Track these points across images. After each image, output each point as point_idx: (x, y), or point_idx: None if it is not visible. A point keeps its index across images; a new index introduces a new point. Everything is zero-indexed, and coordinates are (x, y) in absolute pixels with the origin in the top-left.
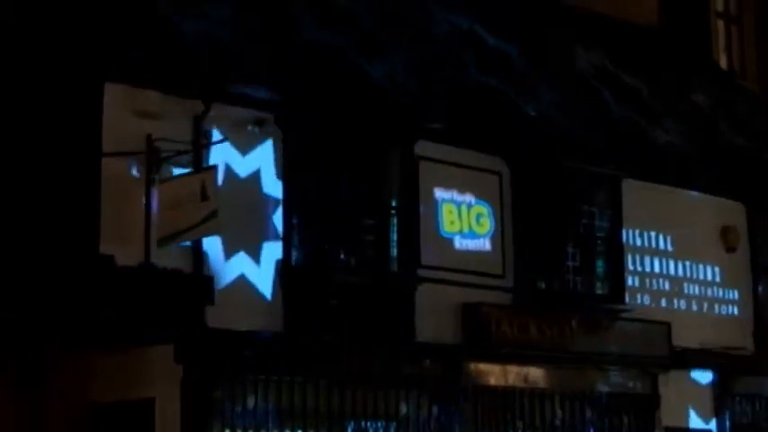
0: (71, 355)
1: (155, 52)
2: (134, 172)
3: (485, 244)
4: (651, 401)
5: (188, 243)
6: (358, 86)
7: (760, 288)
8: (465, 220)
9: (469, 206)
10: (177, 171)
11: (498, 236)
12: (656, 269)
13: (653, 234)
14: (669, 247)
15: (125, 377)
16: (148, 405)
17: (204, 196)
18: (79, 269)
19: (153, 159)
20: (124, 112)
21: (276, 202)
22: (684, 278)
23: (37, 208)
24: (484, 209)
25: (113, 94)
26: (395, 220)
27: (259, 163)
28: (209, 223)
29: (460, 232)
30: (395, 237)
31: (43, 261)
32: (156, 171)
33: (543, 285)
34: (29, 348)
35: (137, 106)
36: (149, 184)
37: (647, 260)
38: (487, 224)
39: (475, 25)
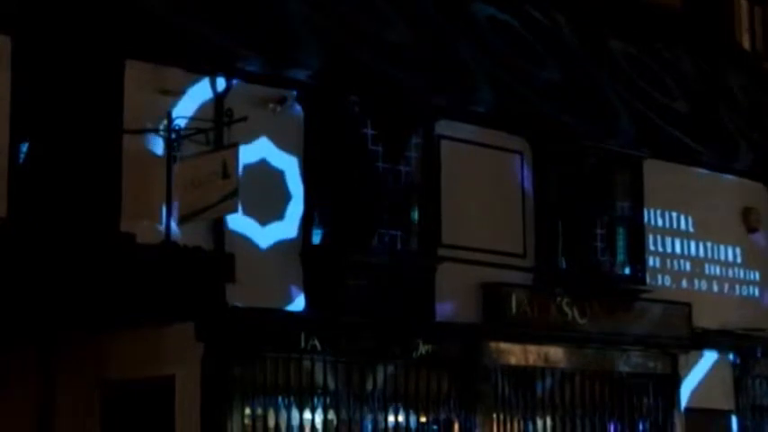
0: (91, 333)
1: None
2: (155, 149)
3: (506, 223)
4: (671, 382)
5: (209, 220)
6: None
7: None
8: (485, 200)
9: (490, 185)
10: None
11: (519, 215)
12: (678, 250)
13: (674, 215)
14: (690, 228)
15: (145, 355)
16: (168, 383)
17: (225, 174)
18: (100, 247)
19: (174, 137)
20: (145, 90)
21: (297, 182)
22: (705, 259)
23: (58, 186)
24: (505, 188)
25: (135, 72)
26: (416, 199)
27: (281, 141)
28: (229, 201)
29: (480, 211)
30: (416, 216)
31: (64, 239)
32: (177, 149)
33: (564, 265)
34: (48, 327)
35: (158, 84)
36: (170, 161)
37: (668, 241)
38: (508, 204)
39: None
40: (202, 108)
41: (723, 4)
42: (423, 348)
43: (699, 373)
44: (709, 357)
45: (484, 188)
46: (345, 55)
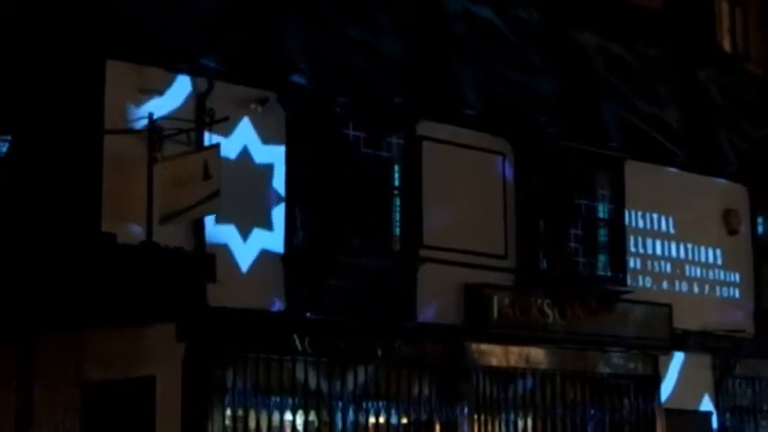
0: (72, 333)
1: (157, 29)
2: (136, 150)
3: (487, 225)
4: (652, 383)
5: (191, 221)
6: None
7: (761, 271)
8: (467, 201)
9: (472, 186)
10: (181, 150)
11: (501, 217)
12: (658, 251)
13: (655, 216)
14: (671, 230)
15: (126, 355)
16: (149, 383)
17: (207, 175)
18: (81, 247)
19: (155, 137)
20: (127, 90)
21: (280, 182)
22: (686, 260)
23: (39, 185)
24: (487, 189)
25: (116, 72)
26: (398, 200)
27: (263, 142)
28: (210, 202)
29: (462, 212)
30: (398, 217)
31: (45, 239)
32: (159, 149)
33: (545, 266)
34: (29, 327)
35: (139, 84)
36: (151, 162)
37: (648, 242)
38: (490, 205)
39: (477, 7)
40: (184, 108)
41: (704, 5)
42: (404, 349)
43: (679, 375)
44: (689, 358)
45: (466, 189)
46: (327, 57)
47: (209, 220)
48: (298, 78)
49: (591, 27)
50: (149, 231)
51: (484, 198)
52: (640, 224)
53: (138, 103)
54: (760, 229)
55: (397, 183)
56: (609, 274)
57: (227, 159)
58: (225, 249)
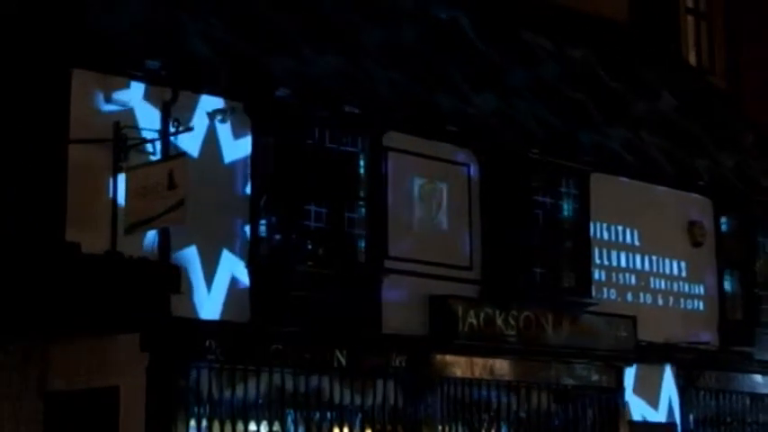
0: (34, 343)
1: (123, 38)
2: (101, 159)
3: (452, 236)
4: (616, 395)
5: (155, 231)
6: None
7: (725, 283)
8: (432, 212)
9: (437, 198)
10: (146, 159)
11: (466, 228)
12: (623, 263)
13: (620, 228)
14: (636, 242)
15: (90, 366)
16: (113, 393)
17: (172, 185)
18: (45, 256)
19: (120, 147)
20: (92, 99)
21: (244, 191)
22: (651, 273)
23: (3, 194)
24: (452, 201)
25: (81, 81)
26: (363, 212)
27: (227, 152)
28: (176, 212)
29: (428, 224)
30: (363, 227)
31: (9, 248)
32: (124, 158)
33: (510, 278)
34: None
35: (105, 93)
36: (116, 171)
37: (613, 254)
38: (454, 217)
39: (445, 15)
40: (149, 118)
41: (669, 18)
42: (369, 360)
43: (643, 386)
44: (653, 370)
45: (431, 201)
46: (294, 66)
47: (175, 230)
48: (265, 88)
49: (557, 39)
50: (113, 241)
51: (449, 209)
52: (605, 236)
53: (104, 113)
54: (724, 241)
55: (362, 193)
56: (573, 285)
57: (191, 170)
58: (190, 260)
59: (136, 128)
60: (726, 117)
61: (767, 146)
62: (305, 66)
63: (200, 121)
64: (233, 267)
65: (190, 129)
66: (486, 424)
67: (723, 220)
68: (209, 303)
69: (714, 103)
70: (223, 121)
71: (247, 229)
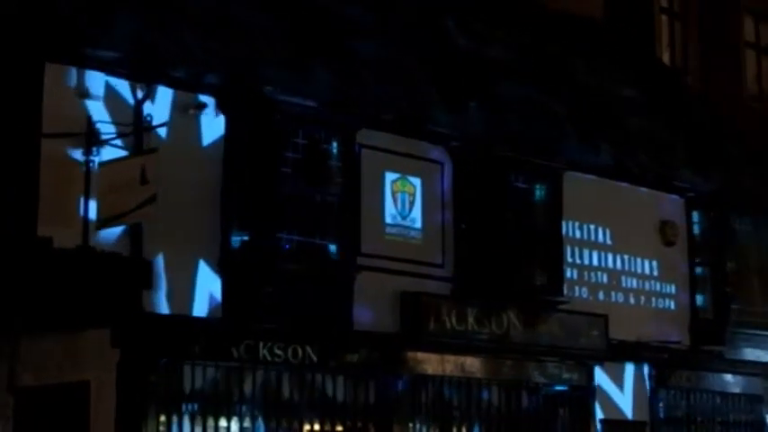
0: (5, 337)
1: (97, 33)
2: (74, 154)
3: (424, 234)
4: (587, 393)
5: (127, 226)
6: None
7: (696, 283)
8: (405, 210)
9: (410, 195)
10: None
11: (439, 226)
12: (595, 262)
13: (592, 227)
14: (608, 241)
15: (60, 361)
16: (83, 388)
17: (144, 180)
18: (17, 251)
19: (93, 141)
20: (65, 94)
21: (216, 188)
22: (622, 271)
23: None
24: (425, 198)
25: (54, 75)
26: (336, 208)
27: (200, 148)
28: (148, 207)
29: (400, 221)
30: (336, 224)
31: None
32: (97, 153)
33: (482, 276)
34: None
35: (78, 87)
36: (89, 166)
37: (585, 253)
38: (427, 214)
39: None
40: (122, 113)
41: (644, 18)
42: (340, 357)
43: (614, 385)
44: (624, 369)
45: (404, 198)
46: (265, 64)
47: (147, 225)
48: (236, 85)
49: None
50: (85, 236)
51: (422, 207)
52: (577, 235)
53: (77, 107)
54: (696, 240)
55: (335, 190)
56: (545, 284)
57: (165, 163)
58: (161, 255)
59: (109, 122)
60: (697, 116)
61: (739, 144)
62: (280, 63)
63: (173, 116)
64: (205, 263)
65: (163, 124)
66: (457, 421)
67: (695, 219)
68: (181, 299)
69: (686, 102)
70: (197, 116)
71: (219, 224)
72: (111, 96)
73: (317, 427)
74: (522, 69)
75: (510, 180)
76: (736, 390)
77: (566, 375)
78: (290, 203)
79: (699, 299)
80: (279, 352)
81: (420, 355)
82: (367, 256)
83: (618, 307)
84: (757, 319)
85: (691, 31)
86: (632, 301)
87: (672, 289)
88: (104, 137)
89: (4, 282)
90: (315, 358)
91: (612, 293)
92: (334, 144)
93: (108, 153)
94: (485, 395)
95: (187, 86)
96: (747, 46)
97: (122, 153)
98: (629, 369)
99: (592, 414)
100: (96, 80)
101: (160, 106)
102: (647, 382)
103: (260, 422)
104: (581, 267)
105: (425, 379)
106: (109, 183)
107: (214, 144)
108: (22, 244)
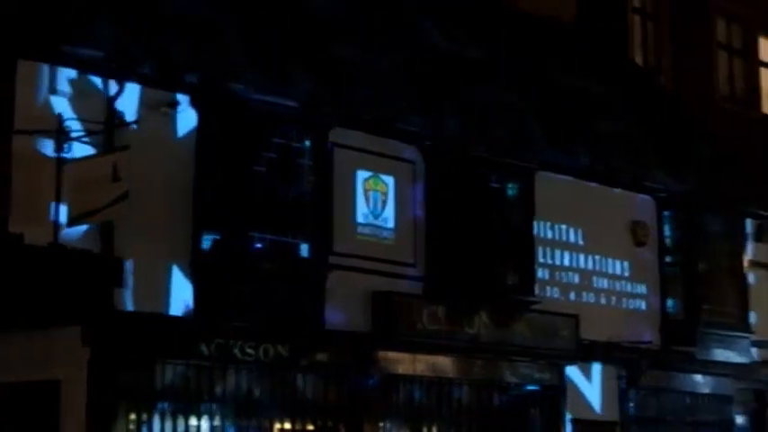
0: None
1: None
2: (45, 150)
3: (397, 233)
4: (558, 393)
5: (98, 224)
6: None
7: (667, 283)
8: (377, 209)
9: (383, 195)
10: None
11: (410, 225)
12: (566, 262)
13: (563, 227)
14: (579, 241)
15: (30, 358)
16: (54, 387)
17: (116, 177)
18: None
19: (64, 138)
20: (37, 90)
21: (188, 186)
22: (594, 272)
23: None
24: (397, 198)
25: (26, 72)
26: (308, 207)
27: (171, 145)
28: (119, 205)
29: (372, 221)
30: (308, 223)
31: None
32: (68, 150)
33: (454, 275)
34: None
35: (50, 84)
36: (60, 163)
37: (557, 253)
38: (400, 214)
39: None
40: (94, 110)
41: (617, 19)
42: (312, 356)
43: (585, 385)
44: (595, 369)
45: (376, 197)
46: (240, 61)
47: (118, 223)
48: (208, 83)
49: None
50: (56, 233)
51: (394, 206)
52: (549, 235)
53: (48, 104)
54: (667, 241)
55: (307, 188)
56: (517, 283)
57: (136, 162)
58: (133, 253)
59: (80, 120)
60: (669, 116)
61: (710, 145)
62: (254, 61)
63: (145, 114)
64: (176, 261)
65: (135, 122)
66: (428, 421)
67: (666, 219)
68: (152, 297)
69: (658, 103)
70: (168, 114)
71: (190, 222)
72: (83, 93)
73: (287, 425)
74: (494, 70)
75: (482, 180)
76: (707, 390)
77: (537, 375)
78: (261, 202)
79: (670, 300)
80: (250, 351)
81: (391, 354)
82: (339, 255)
83: (589, 307)
84: (728, 320)
85: (663, 32)
86: (603, 301)
87: (643, 289)
88: (75, 134)
89: None
90: (286, 357)
91: (584, 294)
92: (307, 143)
93: (80, 150)
94: (456, 395)
95: (161, 84)
96: (719, 47)
97: (95, 150)
98: (600, 369)
99: (563, 414)
100: (68, 78)
101: (132, 103)
102: (618, 382)
103: (231, 421)
104: (552, 267)
105: (397, 378)
106: (80, 180)
107: (186, 142)
108: None
